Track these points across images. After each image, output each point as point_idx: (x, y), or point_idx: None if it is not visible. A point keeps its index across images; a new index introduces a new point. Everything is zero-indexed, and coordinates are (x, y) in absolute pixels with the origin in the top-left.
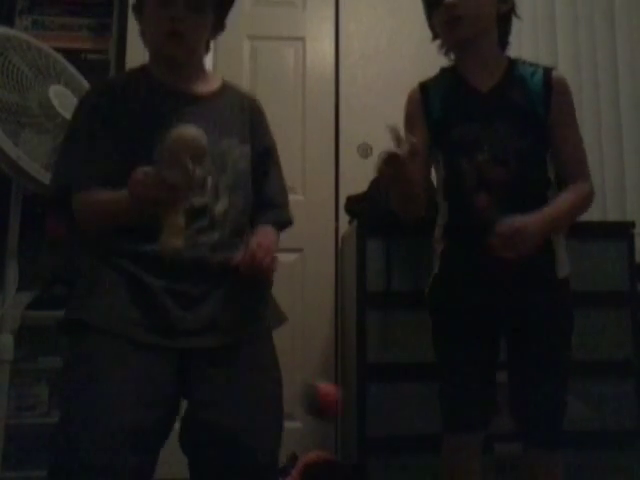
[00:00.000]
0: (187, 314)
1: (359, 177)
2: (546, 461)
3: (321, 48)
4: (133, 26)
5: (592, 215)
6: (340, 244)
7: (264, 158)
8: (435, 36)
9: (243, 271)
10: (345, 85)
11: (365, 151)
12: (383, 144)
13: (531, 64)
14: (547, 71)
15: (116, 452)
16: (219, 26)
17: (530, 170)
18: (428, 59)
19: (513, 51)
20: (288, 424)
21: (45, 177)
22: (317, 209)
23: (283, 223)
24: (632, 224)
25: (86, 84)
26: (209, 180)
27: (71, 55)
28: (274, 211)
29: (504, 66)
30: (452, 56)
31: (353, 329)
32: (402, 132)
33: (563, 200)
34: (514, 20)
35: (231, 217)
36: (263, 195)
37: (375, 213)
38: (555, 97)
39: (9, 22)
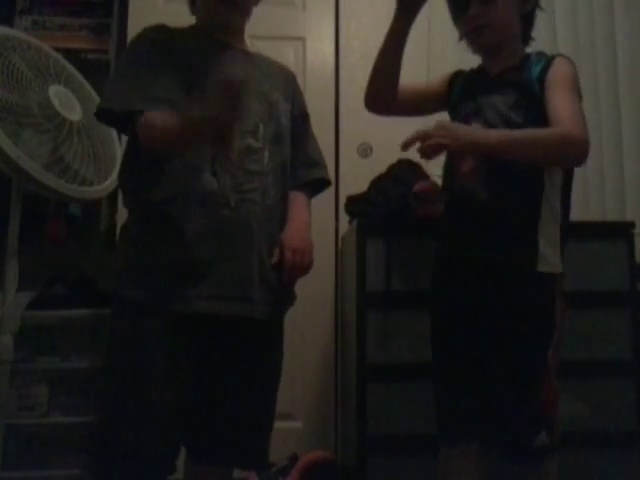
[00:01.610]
0: (227, 279)
1: (359, 177)
2: (521, 476)
3: (321, 48)
4: (133, 26)
5: (592, 215)
6: (340, 244)
7: (303, 122)
8: (461, 37)
9: (285, 279)
10: (345, 85)
11: (365, 151)
12: (383, 144)
13: (546, 55)
14: (553, 57)
15: (159, 423)
16: None
17: None
18: (427, 59)
19: None
20: (288, 424)
21: (45, 177)
22: (317, 209)
23: (323, 182)
24: (632, 224)
25: (86, 84)
26: (261, 128)
27: (71, 55)
28: (316, 169)
29: (519, 58)
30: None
31: (353, 329)
32: None
33: (528, 129)
34: None
35: (271, 167)
36: (304, 153)
37: (375, 213)
38: (550, 72)
39: (9, 22)
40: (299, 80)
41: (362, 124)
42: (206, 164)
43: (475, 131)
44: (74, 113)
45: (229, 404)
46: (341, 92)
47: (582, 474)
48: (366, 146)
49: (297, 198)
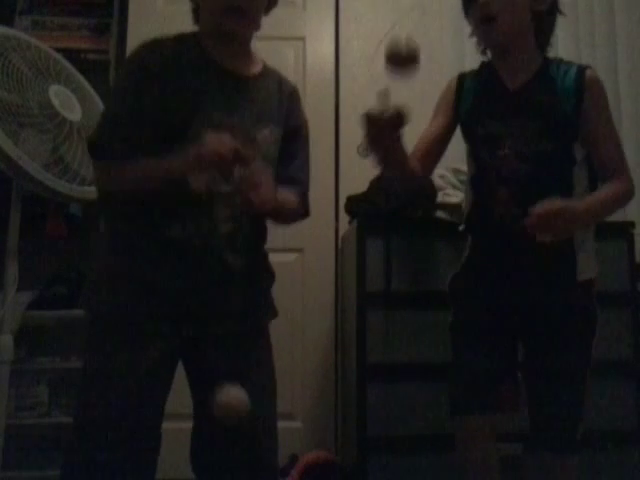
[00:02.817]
0: (196, 303)
1: (359, 177)
2: (557, 466)
3: (321, 48)
4: (133, 26)
5: None
6: (340, 244)
7: (293, 139)
8: (472, 33)
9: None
10: (345, 85)
11: (365, 151)
12: None
13: (567, 63)
14: (580, 70)
15: (126, 429)
16: (273, 1)
17: (551, 170)
18: (427, 59)
19: None
20: (288, 424)
21: (45, 177)
22: (317, 209)
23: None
24: (632, 224)
25: (86, 84)
26: (236, 170)
27: (71, 55)
28: (295, 187)
29: (537, 65)
30: (489, 54)
31: (353, 329)
32: (390, 98)
33: (599, 194)
34: None
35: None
36: (285, 173)
37: (375, 213)
38: (587, 96)
39: (9, 22)
40: (299, 81)
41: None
42: (173, 210)
43: (578, 214)
44: (74, 113)
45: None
46: (341, 92)
47: (582, 474)
48: (366, 146)
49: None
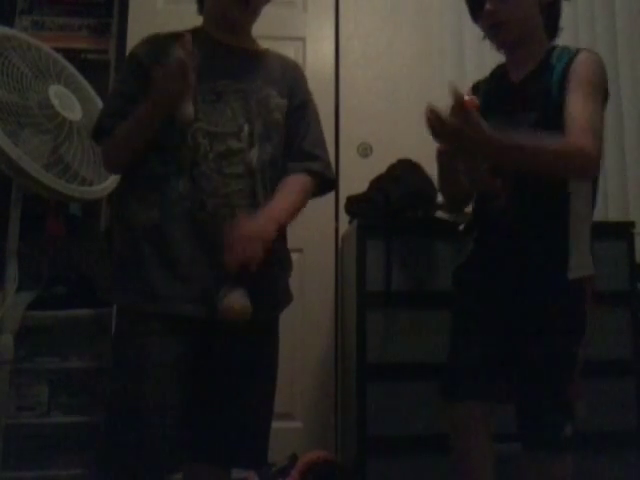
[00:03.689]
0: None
1: (359, 177)
2: (544, 464)
3: (321, 48)
4: (133, 26)
5: (594, 215)
6: (340, 244)
7: (302, 112)
8: (484, 36)
9: (227, 264)
10: (345, 85)
11: (365, 151)
12: (383, 144)
13: (569, 49)
14: (576, 52)
15: (158, 422)
16: None
17: None
18: (427, 60)
19: None
20: (288, 424)
21: (45, 177)
22: (317, 209)
23: (319, 174)
24: (632, 224)
25: (86, 84)
26: (245, 128)
27: (71, 55)
28: (309, 162)
29: (542, 55)
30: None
31: (353, 329)
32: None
33: (538, 137)
34: None
35: (260, 166)
36: (298, 147)
37: (375, 213)
38: (570, 72)
39: (9, 22)
40: None
41: (362, 124)
42: (184, 169)
43: (491, 140)
44: (74, 113)
45: (226, 404)
46: (341, 92)
47: (582, 474)
48: (366, 146)
49: (288, 182)
